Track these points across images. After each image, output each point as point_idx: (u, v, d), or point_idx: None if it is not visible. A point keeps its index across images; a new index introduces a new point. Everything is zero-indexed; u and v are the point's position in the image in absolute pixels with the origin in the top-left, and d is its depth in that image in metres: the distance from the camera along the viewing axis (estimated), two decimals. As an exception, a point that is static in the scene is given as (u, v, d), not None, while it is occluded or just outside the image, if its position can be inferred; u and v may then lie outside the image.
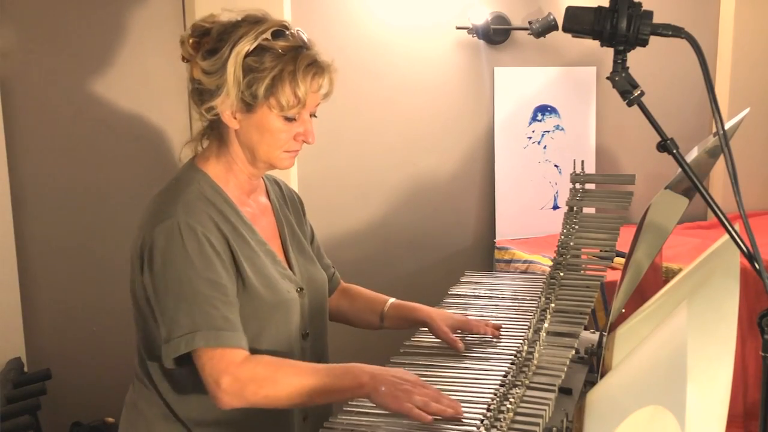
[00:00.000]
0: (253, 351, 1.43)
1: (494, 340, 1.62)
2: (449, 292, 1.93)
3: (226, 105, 1.42)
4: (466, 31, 3.10)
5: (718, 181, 3.61)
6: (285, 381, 1.34)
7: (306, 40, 1.45)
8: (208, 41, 1.43)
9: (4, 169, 2.46)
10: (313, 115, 1.49)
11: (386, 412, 1.31)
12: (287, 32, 1.43)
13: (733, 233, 1.27)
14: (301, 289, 1.56)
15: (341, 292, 1.82)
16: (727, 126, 1.48)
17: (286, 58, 1.40)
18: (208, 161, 1.51)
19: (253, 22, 1.42)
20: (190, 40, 1.45)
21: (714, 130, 1.70)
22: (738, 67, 3.60)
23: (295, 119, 1.45)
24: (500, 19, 3.14)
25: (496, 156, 3.26)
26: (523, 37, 3.18)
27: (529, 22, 3.03)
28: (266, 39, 1.40)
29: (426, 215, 3.22)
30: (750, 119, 1.94)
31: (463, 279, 2.03)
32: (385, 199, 3.15)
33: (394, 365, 1.51)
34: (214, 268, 1.39)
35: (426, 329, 1.69)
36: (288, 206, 1.68)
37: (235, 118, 1.44)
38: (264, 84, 1.39)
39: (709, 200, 1.33)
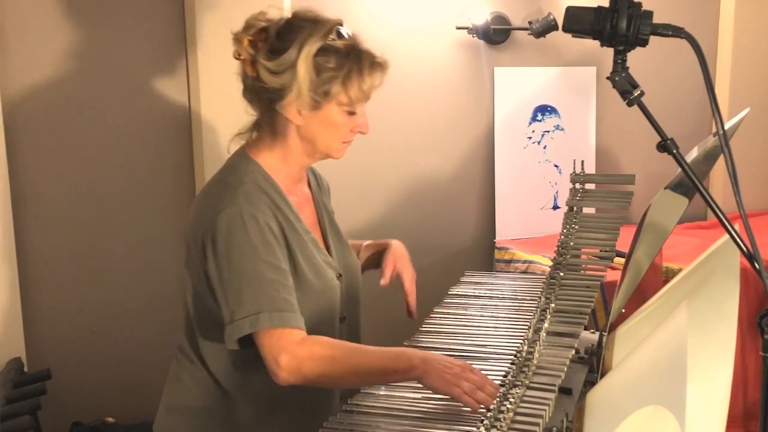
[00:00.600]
0: None
1: (494, 339, 1.63)
2: (449, 292, 1.93)
3: (295, 103, 1.47)
4: (466, 31, 3.10)
5: (718, 181, 3.60)
6: (341, 360, 1.40)
7: (354, 35, 1.52)
8: (267, 39, 1.48)
9: (4, 169, 2.46)
10: None
11: (385, 412, 1.32)
12: (343, 30, 1.50)
13: (733, 233, 1.27)
14: (340, 275, 1.63)
15: None
16: (727, 126, 1.48)
17: (352, 57, 1.47)
18: (260, 152, 1.56)
19: (312, 21, 1.48)
20: (246, 39, 1.48)
21: (714, 130, 1.70)
22: (738, 67, 3.59)
23: (355, 112, 1.52)
24: (500, 19, 3.14)
25: (496, 156, 3.25)
26: (523, 37, 3.18)
27: (529, 22, 3.03)
28: (332, 38, 1.46)
29: (426, 215, 3.22)
30: (750, 119, 1.94)
31: (463, 279, 2.03)
32: (385, 199, 3.15)
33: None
34: (274, 253, 1.45)
35: (433, 327, 1.72)
36: (323, 192, 1.74)
37: (300, 114, 1.50)
38: (337, 82, 1.46)
39: (709, 200, 1.33)
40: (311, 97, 1.46)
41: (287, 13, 1.51)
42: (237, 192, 1.47)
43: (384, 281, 1.71)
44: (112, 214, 2.70)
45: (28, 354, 2.55)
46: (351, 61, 1.47)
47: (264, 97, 1.50)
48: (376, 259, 1.83)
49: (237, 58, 1.51)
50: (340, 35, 1.49)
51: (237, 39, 1.49)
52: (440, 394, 1.35)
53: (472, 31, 3.10)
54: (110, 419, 2.63)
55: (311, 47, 1.44)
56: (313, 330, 1.52)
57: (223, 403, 1.57)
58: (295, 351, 1.39)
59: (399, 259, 1.78)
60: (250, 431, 1.58)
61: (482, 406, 1.30)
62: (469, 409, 1.32)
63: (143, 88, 2.69)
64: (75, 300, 2.67)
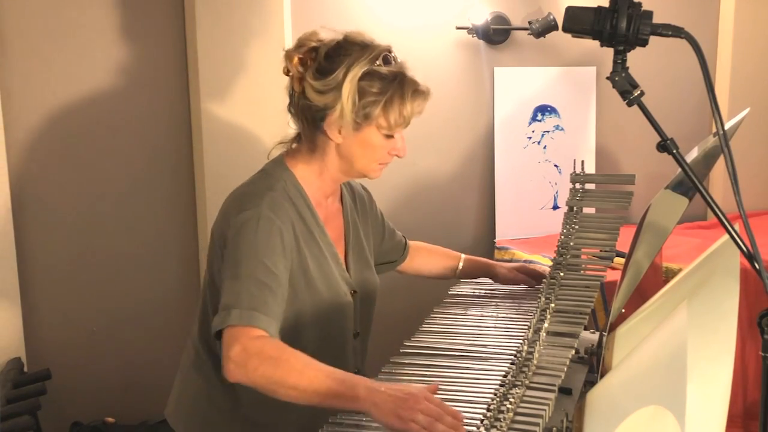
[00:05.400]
0: (311, 346, 1.51)
1: (494, 339, 1.63)
2: (449, 292, 1.94)
3: (336, 123, 1.53)
4: (466, 31, 3.10)
5: (718, 181, 3.60)
6: (285, 366, 1.32)
7: (401, 62, 1.59)
8: (315, 59, 1.54)
9: (4, 169, 2.46)
10: None
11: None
12: (391, 57, 1.57)
13: (733, 233, 1.27)
14: (355, 291, 1.66)
15: (414, 251, 2.00)
16: (727, 126, 1.48)
17: (395, 84, 1.53)
18: (297, 162, 1.62)
19: (362, 45, 1.54)
20: (296, 57, 1.54)
21: (714, 130, 1.70)
22: (738, 67, 3.59)
23: (393, 136, 1.58)
24: (500, 19, 3.14)
25: (496, 156, 3.25)
26: (523, 37, 3.18)
27: (529, 22, 3.03)
28: (378, 64, 1.52)
29: (426, 215, 3.22)
30: (750, 119, 1.94)
31: (464, 279, 2.03)
32: (385, 199, 3.15)
33: (394, 365, 1.51)
34: (273, 257, 1.47)
35: (433, 327, 1.72)
36: (357, 209, 1.78)
37: (339, 133, 1.55)
38: (378, 107, 1.52)
39: (709, 200, 1.33)
40: (353, 119, 1.51)
41: (339, 36, 1.56)
42: (263, 197, 1.52)
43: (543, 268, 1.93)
44: (112, 215, 2.70)
45: (28, 354, 2.54)
46: (394, 87, 1.52)
47: (307, 114, 1.56)
48: (476, 274, 2.02)
49: (286, 74, 1.58)
50: (387, 61, 1.55)
51: (288, 56, 1.56)
52: (393, 431, 1.23)
53: (472, 31, 3.10)
54: (110, 419, 2.63)
55: (357, 71, 1.50)
56: (326, 342, 1.57)
57: (231, 396, 1.59)
58: (246, 345, 1.35)
59: (512, 270, 1.97)
60: (256, 424, 1.62)
61: None
62: (468, 407, 1.31)
63: (143, 90, 2.69)
64: (75, 300, 2.67)
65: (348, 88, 1.50)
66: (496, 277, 1.98)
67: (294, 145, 1.65)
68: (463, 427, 1.22)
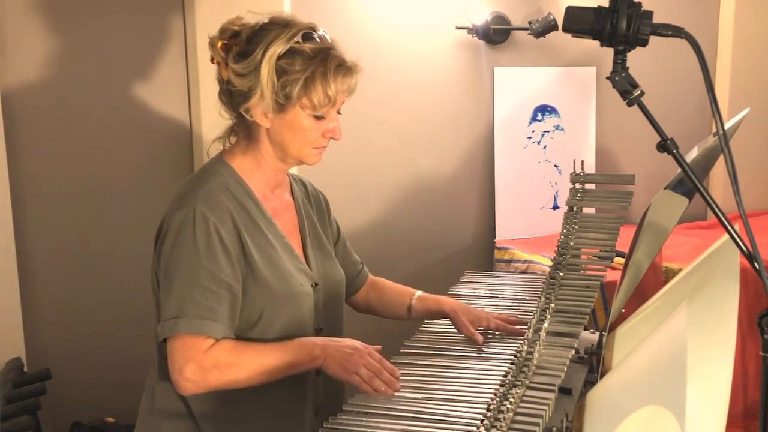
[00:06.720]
0: (265, 340, 1.50)
1: (494, 340, 1.63)
2: (449, 292, 1.93)
3: (259, 106, 1.48)
4: (466, 31, 3.10)
5: (718, 181, 3.60)
6: (246, 364, 1.42)
7: (331, 40, 1.51)
8: (238, 43, 1.49)
9: (4, 169, 2.46)
10: (338, 112, 1.55)
11: (385, 412, 1.32)
12: (315, 34, 1.49)
13: (733, 233, 1.26)
14: (316, 284, 1.61)
15: (370, 285, 1.88)
16: (727, 126, 1.48)
17: (317, 60, 1.46)
18: (235, 156, 1.58)
19: (282, 25, 1.48)
20: (220, 43, 1.50)
21: (714, 130, 1.70)
22: (738, 67, 3.59)
23: (324, 117, 1.51)
24: (500, 19, 3.14)
25: (496, 156, 3.25)
26: (523, 37, 3.18)
27: (529, 22, 3.03)
28: (297, 42, 1.46)
29: (426, 215, 3.22)
30: (750, 119, 1.94)
31: (463, 279, 2.03)
32: (385, 199, 3.15)
33: (395, 365, 1.51)
34: (216, 260, 1.44)
35: (433, 327, 1.73)
36: (312, 205, 1.73)
37: (266, 117, 1.50)
38: (297, 85, 1.46)
39: (709, 200, 1.33)
40: (274, 100, 1.46)
41: (264, 18, 1.50)
42: (198, 192, 1.48)
43: (480, 338, 1.63)
44: (112, 215, 2.70)
45: (28, 354, 2.55)
46: (315, 64, 1.46)
47: (234, 100, 1.51)
48: (432, 315, 1.77)
49: (212, 62, 1.53)
50: (309, 38, 1.47)
51: (211, 43, 1.52)
52: (340, 380, 1.43)
53: (472, 31, 3.10)
54: (110, 419, 2.63)
55: (275, 49, 1.44)
56: (282, 336, 1.52)
57: (189, 421, 1.53)
58: (201, 361, 1.39)
59: (469, 315, 1.69)
60: None
61: (377, 391, 1.36)
62: (468, 407, 1.31)
63: (144, 88, 2.69)
64: (75, 300, 2.67)
65: (266, 68, 1.44)
66: (450, 319, 1.72)
67: (232, 139, 1.60)
68: (398, 383, 1.40)
